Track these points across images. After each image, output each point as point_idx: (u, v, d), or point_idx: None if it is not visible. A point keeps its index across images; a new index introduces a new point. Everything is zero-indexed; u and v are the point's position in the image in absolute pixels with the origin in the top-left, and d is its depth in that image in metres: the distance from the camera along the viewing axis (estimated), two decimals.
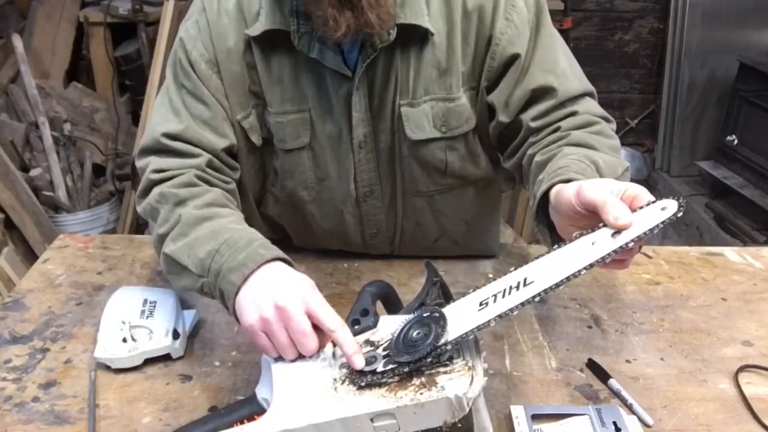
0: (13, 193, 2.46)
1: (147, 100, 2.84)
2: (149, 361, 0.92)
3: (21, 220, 2.50)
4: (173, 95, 0.98)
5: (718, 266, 1.20)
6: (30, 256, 2.51)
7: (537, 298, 0.64)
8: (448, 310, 0.70)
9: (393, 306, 0.83)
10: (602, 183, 0.72)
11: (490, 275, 1.15)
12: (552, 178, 0.79)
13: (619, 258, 0.66)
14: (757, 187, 2.90)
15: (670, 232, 3.38)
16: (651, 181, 3.63)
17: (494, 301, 0.67)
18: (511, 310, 0.65)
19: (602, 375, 0.91)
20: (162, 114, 0.99)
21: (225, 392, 0.88)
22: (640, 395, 0.87)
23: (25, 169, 2.68)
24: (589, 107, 0.96)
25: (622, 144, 3.77)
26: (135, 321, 0.93)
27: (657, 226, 0.64)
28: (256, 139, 1.02)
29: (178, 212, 0.89)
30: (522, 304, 0.65)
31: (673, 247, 1.24)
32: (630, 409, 0.85)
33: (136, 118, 3.02)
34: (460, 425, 0.65)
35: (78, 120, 2.94)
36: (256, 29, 0.94)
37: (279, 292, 0.75)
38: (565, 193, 0.73)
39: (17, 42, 2.70)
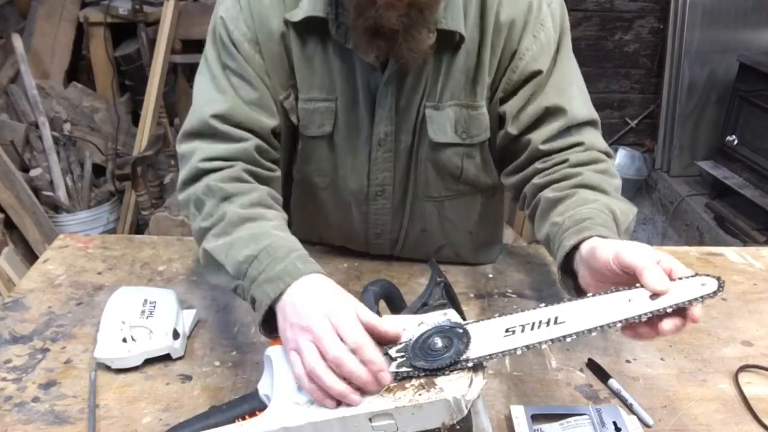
0: (13, 193, 2.46)
1: (147, 100, 2.85)
2: (149, 361, 0.92)
3: (21, 220, 2.50)
4: (218, 73, 0.96)
5: (718, 266, 1.20)
6: (30, 256, 2.51)
7: (568, 339, 0.66)
8: (470, 328, 0.70)
9: (396, 306, 0.83)
10: (641, 248, 0.74)
11: (490, 275, 1.16)
12: (581, 231, 0.81)
13: (647, 325, 0.67)
14: (757, 187, 2.90)
15: (670, 232, 3.38)
16: (651, 181, 3.63)
17: (522, 331, 0.68)
18: (540, 343, 0.66)
19: (602, 375, 0.91)
20: (207, 94, 0.97)
21: (225, 392, 0.88)
22: (640, 395, 0.87)
23: (25, 169, 2.68)
24: (594, 140, 0.98)
25: (622, 144, 3.80)
26: (135, 321, 0.93)
27: (696, 299, 0.66)
28: (294, 119, 1.02)
29: (224, 209, 0.87)
30: (552, 340, 0.66)
31: (673, 247, 1.24)
32: (630, 409, 0.85)
33: (136, 118, 3.02)
34: (458, 427, 0.65)
35: (78, 120, 2.94)
36: (296, 14, 0.93)
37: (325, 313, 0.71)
38: (602, 254, 0.75)
39: (17, 42, 2.70)
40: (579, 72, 1.03)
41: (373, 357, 0.67)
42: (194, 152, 0.93)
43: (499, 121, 1.02)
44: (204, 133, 0.94)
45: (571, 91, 0.98)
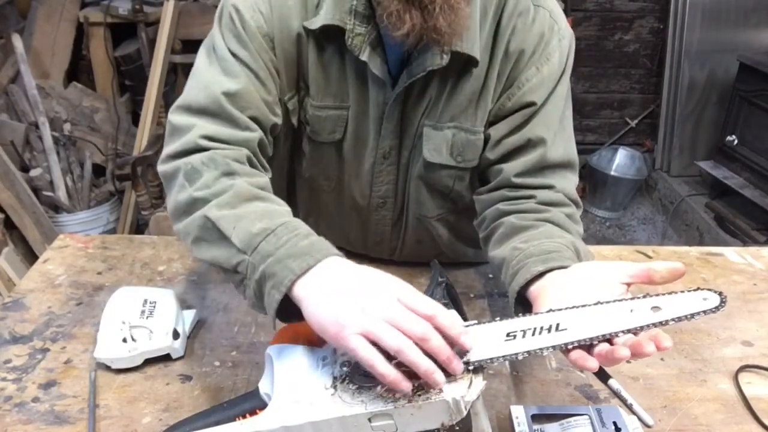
0: (13, 193, 2.46)
1: (147, 100, 2.85)
2: (149, 361, 0.92)
3: (21, 220, 2.50)
4: (228, 58, 0.92)
5: (718, 266, 1.20)
6: (30, 256, 2.51)
7: (569, 347, 0.66)
8: (471, 331, 0.70)
9: None
10: (615, 263, 0.75)
11: (490, 276, 1.16)
12: (548, 261, 0.81)
13: (639, 345, 0.64)
14: (757, 187, 2.90)
15: (670, 232, 3.38)
16: (651, 181, 3.63)
17: (523, 336, 0.68)
18: (542, 350, 0.66)
19: (602, 375, 0.91)
20: (213, 74, 0.91)
21: (225, 392, 0.88)
22: (640, 395, 0.87)
23: (25, 169, 2.68)
24: (566, 186, 0.97)
25: (622, 144, 3.80)
26: (135, 321, 0.93)
27: (698, 313, 0.67)
28: (295, 121, 1.01)
29: (228, 182, 0.81)
30: (553, 347, 0.66)
31: (673, 247, 1.23)
32: (630, 409, 0.85)
33: (136, 118, 3.03)
34: (457, 428, 0.65)
35: (78, 120, 2.94)
36: (315, 22, 0.92)
37: (366, 292, 0.66)
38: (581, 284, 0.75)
39: (17, 42, 2.70)
40: (570, 112, 1.02)
41: (449, 324, 0.65)
42: (193, 127, 0.87)
43: (484, 144, 1.02)
44: (209, 110, 0.89)
45: (556, 129, 0.97)
